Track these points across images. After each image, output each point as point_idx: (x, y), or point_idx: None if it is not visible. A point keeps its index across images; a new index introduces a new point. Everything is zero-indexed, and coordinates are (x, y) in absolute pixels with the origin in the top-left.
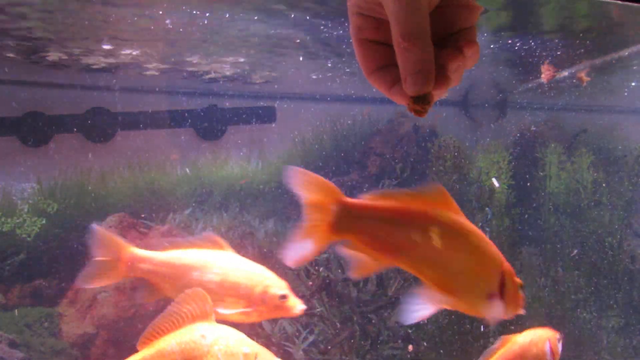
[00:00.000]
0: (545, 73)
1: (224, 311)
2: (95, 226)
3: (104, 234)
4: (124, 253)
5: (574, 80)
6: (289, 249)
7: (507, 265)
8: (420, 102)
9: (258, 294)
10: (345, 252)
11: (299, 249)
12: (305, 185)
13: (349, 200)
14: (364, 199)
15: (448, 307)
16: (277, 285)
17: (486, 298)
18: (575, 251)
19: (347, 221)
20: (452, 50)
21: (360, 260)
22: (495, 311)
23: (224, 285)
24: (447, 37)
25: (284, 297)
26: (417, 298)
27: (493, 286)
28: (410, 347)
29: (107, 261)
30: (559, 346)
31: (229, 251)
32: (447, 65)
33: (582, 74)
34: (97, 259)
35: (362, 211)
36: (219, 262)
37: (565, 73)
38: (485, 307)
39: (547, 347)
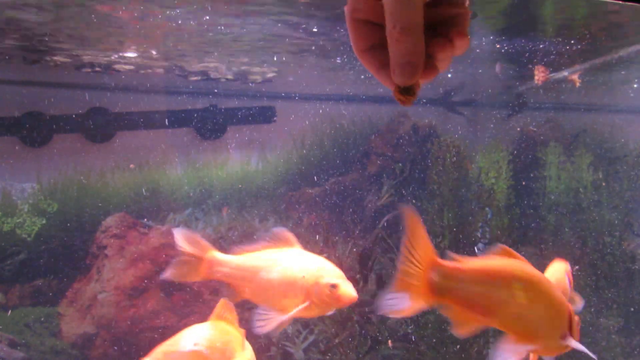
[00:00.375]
0: (539, 75)
1: (283, 317)
2: (181, 228)
3: (190, 235)
4: (207, 255)
5: (568, 83)
6: (385, 299)
7: (569, 304)
8: (405, 92)
9: (311, 286)
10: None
11: (395, 302)
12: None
13: (446, 263)
14: (454, 263)
15: (527, 353)
16: (330, 275)
17: (561, 338)
18: (576, 267)
19: (445, 285)
20: (443, 40)
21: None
22: (570, 346)
23: (283, 282)
24: (440, 22)
25: (333, 286)
26: (503, 352)
27: (566, 327)
28: (389, 343)
29: (190, 261)
30: (571, 274)
31: (296, 247)
32: (435, 54)
33: (575, 76)
34: (182, 257)
35: (458, 274)
36: (281, 259)
37: (559, 75)
38: (561, 347)
39: (565, 276)
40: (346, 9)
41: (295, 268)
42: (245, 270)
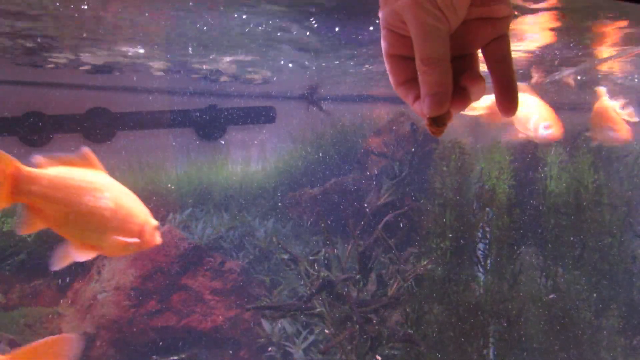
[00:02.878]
0: (535, 77)
1: (124, 239)
2: None
3: None
4: (9, 169)
5: (562, 85)
6: None
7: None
8: (434, 123)
9: (142, 224)
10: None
11: None
12: None
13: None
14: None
15: None
16: (149, 215)
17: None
18: (554, 297)
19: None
20: (473, 73)
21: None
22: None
23: (118, 213)
24: (475, 51)
25: (157, 227)
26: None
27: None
28: (377, 358)
29: None
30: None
31: (102, 172)
32: (468, 86)
33: (570, 79)
34: None
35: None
36: (109, 186)
37: (556, 77)
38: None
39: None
40: (382, 45)
41: (130, 200)
42: (60, 191)
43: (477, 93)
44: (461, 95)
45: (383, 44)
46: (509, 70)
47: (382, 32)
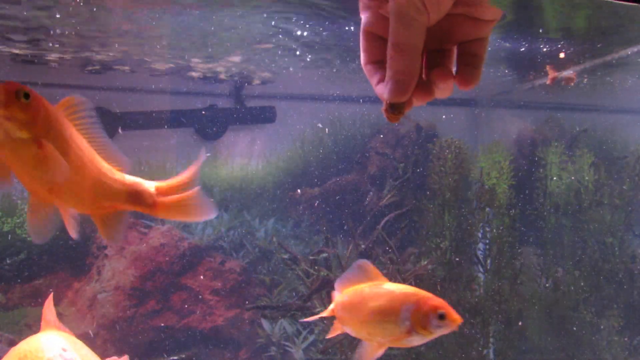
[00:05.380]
0: (550, 74)
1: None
2: None
3: None
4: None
5: (562, 83)
6: None
7: None
8: (392, 109)
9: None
10: None
11: None
12: None
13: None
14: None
15: None
16: None
17: None
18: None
19: None
20: (445, 69)
21: None
22: None
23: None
24: (457, 46)
25: None
26: None
27: None
28: None
29: None
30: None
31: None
32: (435, 81)
33: (571, 75)
34: None
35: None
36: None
37: (565, 74)
38: None
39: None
40: (362, 20)
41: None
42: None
43: (444, 90)
44: (427, 88)
45: (362, 19)
46: (479, 65)
47: (362, 11)
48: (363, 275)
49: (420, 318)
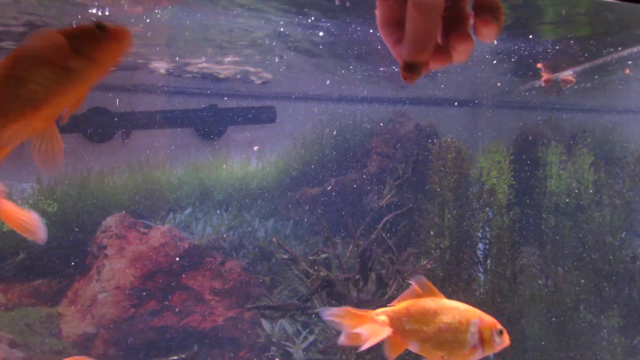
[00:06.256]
0: (545, 76)
1: None
2: None
3: None
4: None
5: (560, 84)
6: None
7: None
8: (410, 69)
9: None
10: None
11: None
12: None
13: None
14: None
15: None
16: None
17: None
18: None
19: None
20: (463, 33)
21: None
22: None
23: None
24: (475, 9)
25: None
26: None
27: None
28: None
29: None
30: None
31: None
32: (454, 44)
33: (569, 77)
34: None
35: None
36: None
37: (561, 75)
38: None
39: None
40: None
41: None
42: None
43: (462, 53)
44: (444, 51)
45: None
46: (498, 16)
47: None
48: (421, 291)
49: (486, 334)
